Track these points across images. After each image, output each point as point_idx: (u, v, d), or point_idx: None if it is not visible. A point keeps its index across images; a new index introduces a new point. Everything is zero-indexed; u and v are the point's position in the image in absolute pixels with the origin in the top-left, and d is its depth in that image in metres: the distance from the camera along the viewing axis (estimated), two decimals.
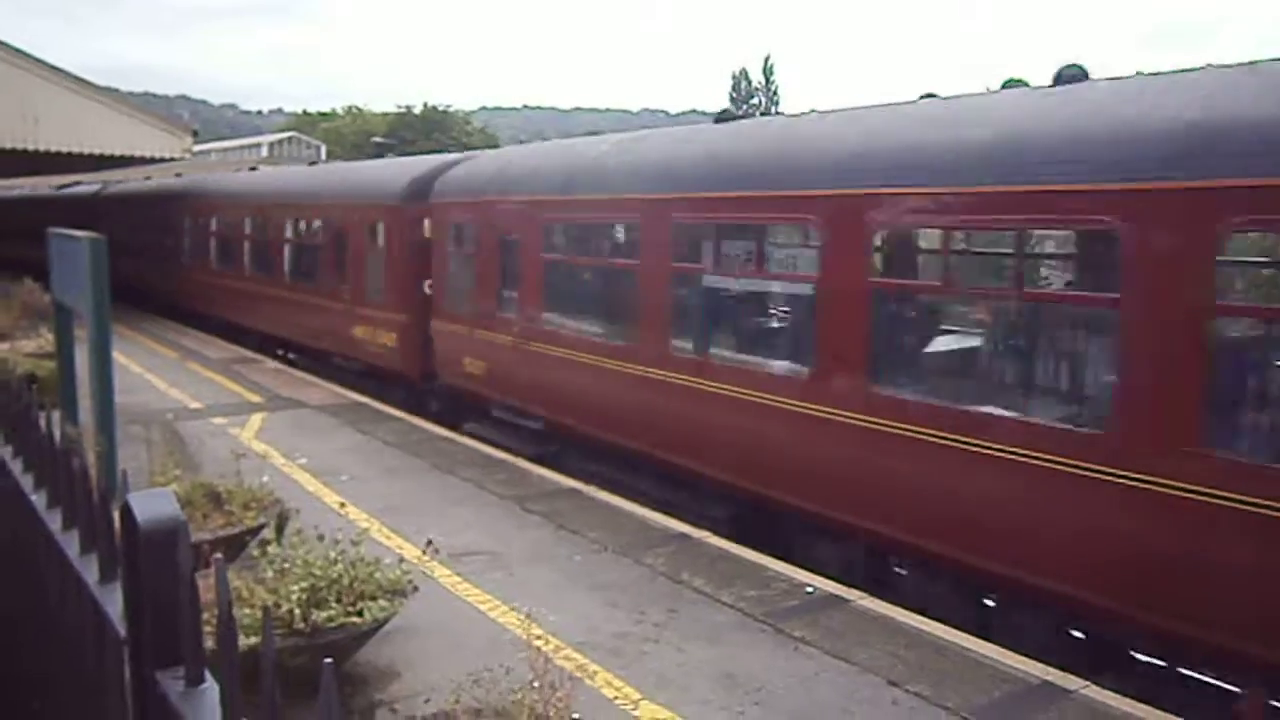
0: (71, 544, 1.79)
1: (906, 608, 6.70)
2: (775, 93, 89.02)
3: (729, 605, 6.60)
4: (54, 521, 1.92)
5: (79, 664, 1.84)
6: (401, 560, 5.65)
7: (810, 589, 6.98)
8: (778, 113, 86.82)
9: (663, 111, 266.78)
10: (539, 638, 4.71)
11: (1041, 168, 6.20)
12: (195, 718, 1.18)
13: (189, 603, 1.24)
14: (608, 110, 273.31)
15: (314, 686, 1.03)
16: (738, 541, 7.94)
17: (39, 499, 2.04)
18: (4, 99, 19.64)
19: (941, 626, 6.38)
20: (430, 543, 6.16)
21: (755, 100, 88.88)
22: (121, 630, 1.44)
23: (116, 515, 1.56)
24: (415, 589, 5.40)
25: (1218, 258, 5.49)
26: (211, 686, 1.24)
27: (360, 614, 4.88)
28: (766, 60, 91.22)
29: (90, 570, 1.66)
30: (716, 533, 8.25)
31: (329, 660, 0.97)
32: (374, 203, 14.83)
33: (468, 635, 5.90)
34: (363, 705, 5.06)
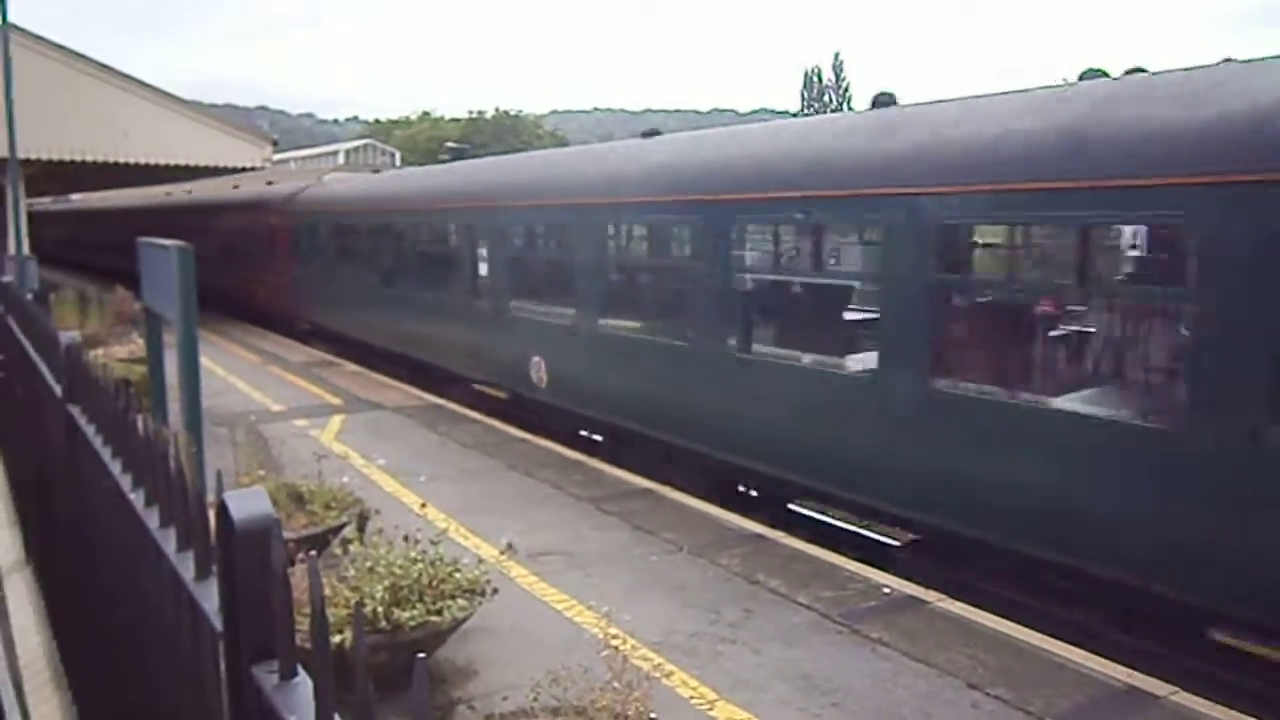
0: (168, 541, 1.85)
1: (986, 609, 6.59)
2: (846, 90, 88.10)
3: (805, 606, 6.55)
4: (152, 519, 1.99)
5: (174, 657, 1.90)
6: (480, 561, 5.72)
7: (887, 590, 6.90)
8: (850, 109, 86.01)
9: (732, 111, 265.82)
10: (615, 637, 4.73)
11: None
12: (289, 711, 1.21)
13: (283, 599, 1.27)
14: (677, 110, 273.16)
15: (392, 683, 1.06)
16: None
17: (137, 498, 2.12)
18: (96, 114, 20.37)
19: (1022, 629, 6.26)
20: (510, 544, 6.22)
21: (826, 98, 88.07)
22: (217, 625, 1.48)
23: (211, 513, 1.62)
24: (495, 591, 5.46)
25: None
26: (304, 681, 1.27)
27: (440, 613, 4.96)
28: (837, 57, 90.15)
29: (187, 567, 1.72)
30: (792, 533, 8.20)
31: (421, 655, 0.99)
32: None
33: (545, 634, 5.95)
34: (442, 703, 5.13)
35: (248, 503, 1.36)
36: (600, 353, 10.93)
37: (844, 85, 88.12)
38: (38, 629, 4.25)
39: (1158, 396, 6.71)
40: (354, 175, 29.71)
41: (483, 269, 13.74)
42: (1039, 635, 6.17)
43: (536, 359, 11.99)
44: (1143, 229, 7.76)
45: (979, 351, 7.75)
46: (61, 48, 20.89)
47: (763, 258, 10.10)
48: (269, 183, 28.99)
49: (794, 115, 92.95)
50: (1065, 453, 6.30)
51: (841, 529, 10.96)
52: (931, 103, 8.12)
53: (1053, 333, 7.82)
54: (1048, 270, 8.79)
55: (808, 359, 8.59)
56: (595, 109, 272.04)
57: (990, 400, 6.88)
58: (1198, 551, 5.66)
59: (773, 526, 8.40)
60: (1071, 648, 5.99)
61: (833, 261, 9.75)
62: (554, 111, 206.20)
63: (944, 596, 6.82)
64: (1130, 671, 5.65)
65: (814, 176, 8.23)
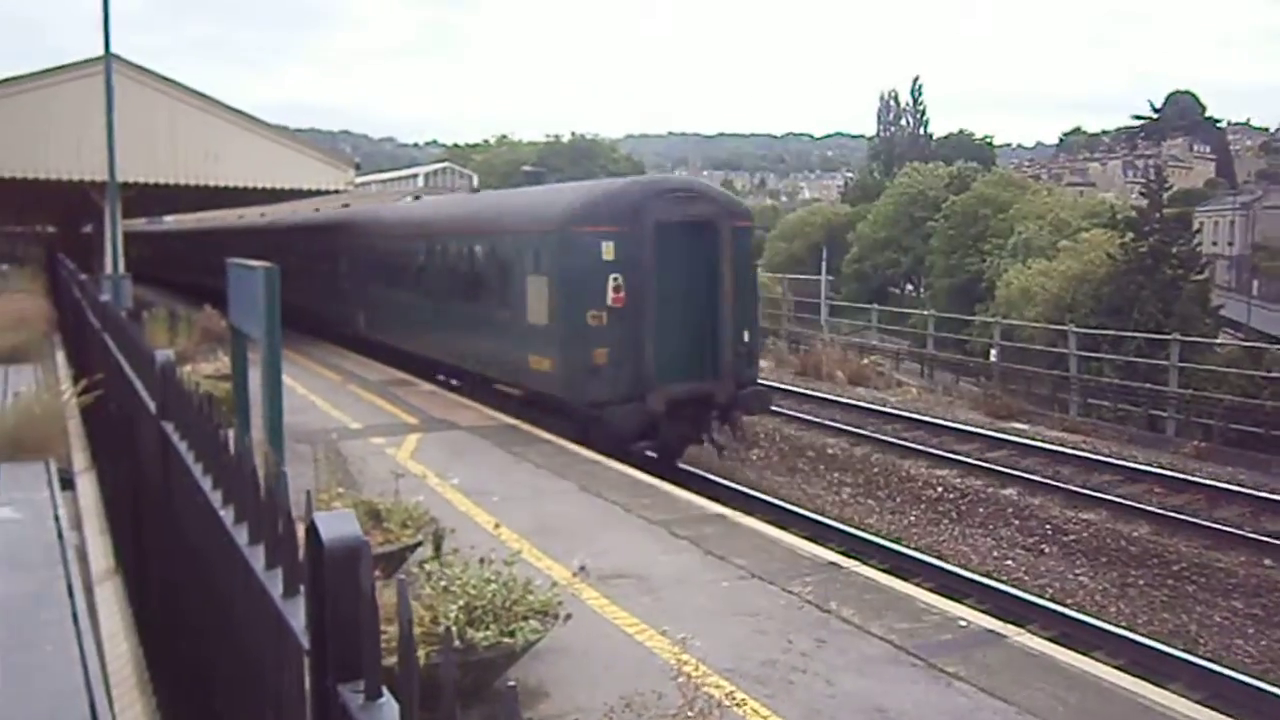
0: (257, 558, 1.90)
1: (1066, 646, 6.42)
2: (924, 114, 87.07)
3: (879, 637, 6.45)
4: (240, 536, 2.04)
5: (259, 670, 1.94)
6: (554, 584, 5.74)
7: (964, 623, 6.75)
8: (927, 134, 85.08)
9: (807, 135, 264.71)
10: (687, 663, 4.70)
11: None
12: None
13: (370, 621, 1.29)
14: (752, 135, 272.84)
15: (463, 703, 1.08)
16: None
17: (227, 514, 2.17)
18: (190, 139, 21.11)
19: (1104, 668, 6.08)
20: (583, 566, 6.24)
21: (904, 121, 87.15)
22: (304, 642, 1.51)
23: (299, 531, 1.65)
24: (569, 617, 5.47)
25: None
26: (389, 701, 1.29)
27: (513, 634, 4.98)
28: (915, 82, 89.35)
29: (274, 583, 1.76)
30: (866, 563, 8.09)
31: (512, 684, 1.00)
32: None
33: (616, 658, 5.95)
34: None
35: (337, 525, 1.39)
36: (388, 308, 20.01)
37: (921, 109, 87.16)
38: (126, 636, 4.37)
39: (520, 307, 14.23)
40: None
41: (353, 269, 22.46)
42: (1124, 676, 5.98)
43: (360, 314, 21.43)
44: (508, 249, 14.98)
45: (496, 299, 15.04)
46: (159, 76, 21.70)
47: (447, 262, 17.11)
48: (315, 209, 30.53)
49: (870, 139, 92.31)
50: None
51: (915, 558, 10.79)
52: (486, 191, 21.16)
53: (486, 287, 15.50)
54: (498, 263, 15.28)
55: (464, 307, 16.13)
56: (670, 133, 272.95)
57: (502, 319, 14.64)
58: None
59: (846, 555, 8.30)
60: (1157, 689, 5.80)
61: (467, 264, 16.45)
62: (629, 136, 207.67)
63: (1023, 631, 6.65)
64: (1215, 716, 5.44)
65: (449, 223, 18.19)
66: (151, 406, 3.52)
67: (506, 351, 14.55)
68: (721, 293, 13.20)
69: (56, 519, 4.59)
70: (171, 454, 3.12)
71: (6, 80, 20.91)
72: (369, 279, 21.00)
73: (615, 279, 12.50)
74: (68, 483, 5.42)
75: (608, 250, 12.57)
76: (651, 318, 12.69)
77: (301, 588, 1.64)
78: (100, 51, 18.74)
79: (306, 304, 22.81)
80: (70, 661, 3.00)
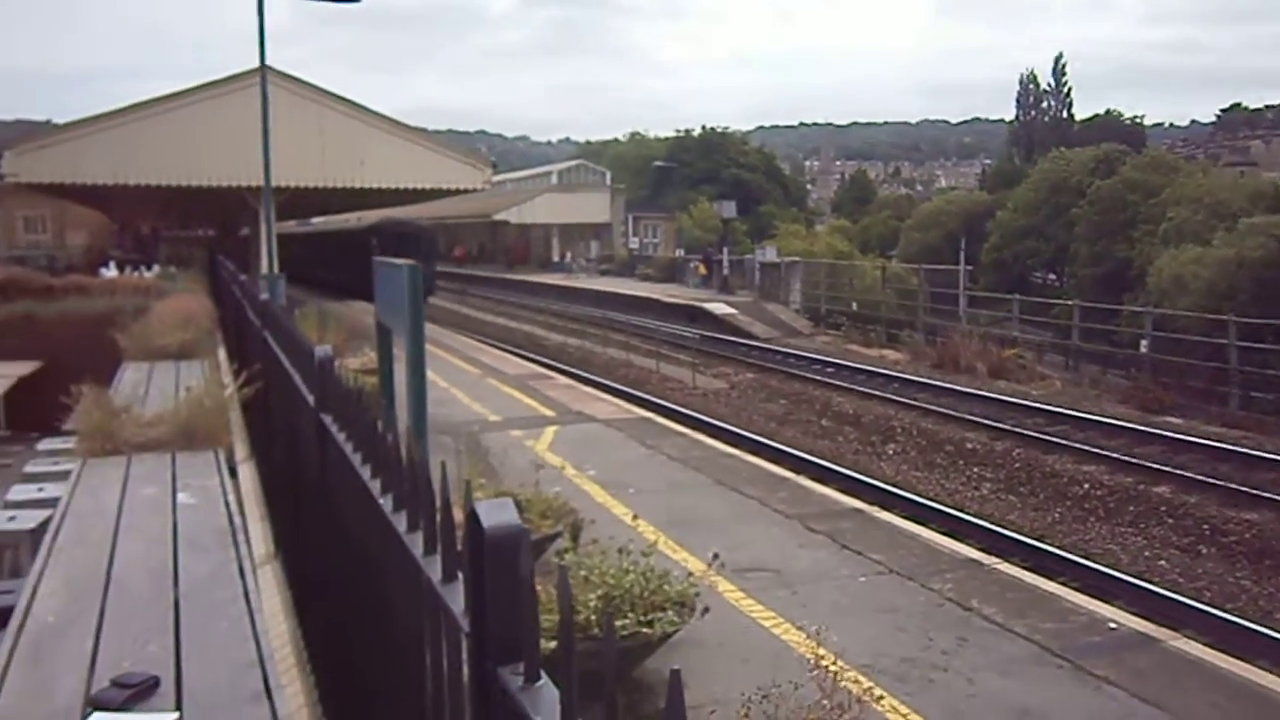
0: (415, 544, 1.99)
1: (1227, 653, 6.12)
2: (1067, 95, 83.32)
3: (1022, 637, 6.28)
4: (399, 523, 2.14)
5: (416, 651, 2.03)
6: (690, 575, 5.79)
7: (1113, 625, 6.51)
8: (1070, 115, 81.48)
9: (944, 121, 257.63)
10: (823, 657, 4.68)
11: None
12: (535, 711, 1.29)
13: (530, 605, 1.35)
14: (885, 123, 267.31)
15: (600, 691, 1.13)
16: None
17: (385, 502, 2.28)
18: (338, 144, 22.05)
19: (1271, 678, 5.77)
20: (716, 556, 6.28)
21: (1045, 104, 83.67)
22: (464, 625, 1.59)
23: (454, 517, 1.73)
24: (706, 610, 5.51)
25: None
26: (548, 684, 1.35)
27: (651, 625, 5.06)
28: (1058, 61, 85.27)
29: (433, 569, 1.84)
30: (1008, 560, 7.87)
31: (676, 668, 1.04)
32: None
33: (752, 650, 5.96)
34: (650, 712, 5.22)
35: (497, 512, 1.45)
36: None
37: (1065, 89, 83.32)
38: (285, 616, 4.60)
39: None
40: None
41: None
42: None
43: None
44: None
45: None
46: (309, 84, 22.72)
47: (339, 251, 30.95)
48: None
49: (1010, 123, 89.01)
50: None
51: (1060, 557, 10.43)
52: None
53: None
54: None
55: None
56: (800, 124, 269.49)
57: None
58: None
59: (987, 553, 8.10)
60: None
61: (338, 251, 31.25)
62: (759, 127, 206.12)
63: (1178, 635, 6.37)
64: None
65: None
66: (310, 399, 3.71)
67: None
68: None
69: (226, 505, 4.88)
70: (329, 444, 3.28)
71: (172, 95, 22.28)
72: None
73: None
74: (232, 471, 5.76)
75: None
76: None
77: (459, 573, 1.71)
78: (255, 64, 19.74)
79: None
80: (244, 638, 3.20)
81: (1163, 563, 11.09)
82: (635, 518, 7.74)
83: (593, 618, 4.90)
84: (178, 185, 22.16)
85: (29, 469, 8.04)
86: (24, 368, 12.54)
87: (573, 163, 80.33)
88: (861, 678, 5.57)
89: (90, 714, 2.71)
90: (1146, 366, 22.75)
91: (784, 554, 7.88)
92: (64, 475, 6.43)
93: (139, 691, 2.83)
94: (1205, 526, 11.92)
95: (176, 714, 2.72)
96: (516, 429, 13.02)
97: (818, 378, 22.57)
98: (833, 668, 4.46)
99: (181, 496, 5.02)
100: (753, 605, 6.73)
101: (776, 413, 19.57)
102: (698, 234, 54.19)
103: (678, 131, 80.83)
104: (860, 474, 13.77)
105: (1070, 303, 28.33)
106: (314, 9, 38.89)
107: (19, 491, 7.23)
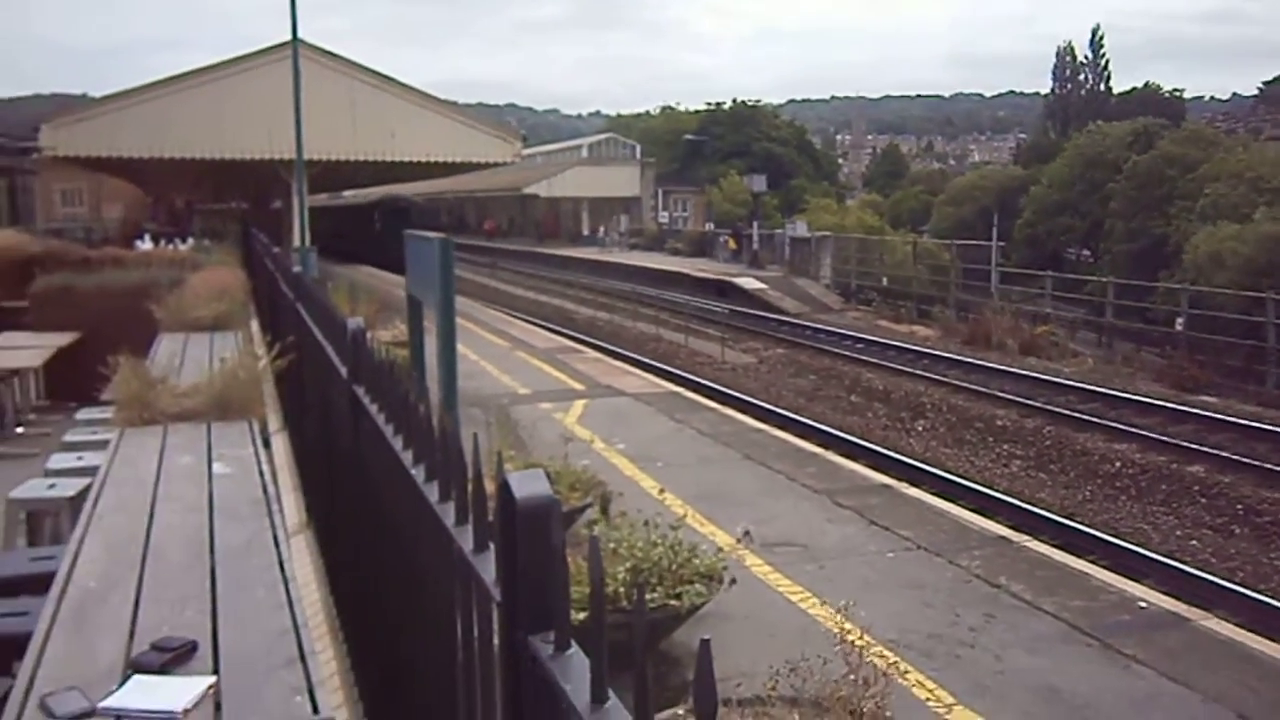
0: (448, 514, 2.02)
1: (1260, 634, 6.08)
2: (1105, 67, 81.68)
3: (1051, 614, 6.26)
4: (431, 493, 2.17)
5: (448, 619, 2.06)
6: (719, 550, 5.82)
7: (1143, 604, 6.48)
8: (1108, 89, 79.92)
9: (978, 95, 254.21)
10: (850, 632, 4.70)
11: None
12: (565, 679, 1.31)
13: (561, 575, 1.37)
14: (918, 96, 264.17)
15: (628, 663, 1.14)
16: None
17: (418, 472, 2.31)
18: (369, 117, 22.10)
19: None
20: (747, 532, 6.30)
21: (1083, 76, 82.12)
22: (496, 594, 1.61)
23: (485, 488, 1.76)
24: (734, 582, 5.53)
25: None
26: (578, 652, 1.37)
27: (679, 597, 5.09)
28: (1095, 32, 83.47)
29: (465, 539, 1.87)
30: (1037, 538, 7.85)
31: (706, 638, 1.06)
32: None
33: (779, 624, 5.99)
34: (676, 684, 5.26)
35: (529, 483, 1.47)
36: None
37: (1103, 61, 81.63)
38: (318, 585, 4.68)
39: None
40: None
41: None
42: None
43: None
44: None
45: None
46: (341, 57, 22.75)
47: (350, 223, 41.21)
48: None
49: (1045, 97, 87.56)
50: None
51: (1090, 535, 10.38)
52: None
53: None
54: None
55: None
56: (833, 97, 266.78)
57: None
58: None
59: (1016, 530, 8.07)
60: None
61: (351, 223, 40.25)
62: (791, 101, 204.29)
63: (1209, 615, 6.34)
64: None
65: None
66: (343, 371, 3.75)
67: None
68: None
69: (261, 474, 4.95)
70: (362, 415, 3.32)
71: (205, 68, 22.38)
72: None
73: None
74: (265, 442, 5.83)
75: None
76: None
77: (491, 544, 1.74)
78: (288, 37, 19.79)
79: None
80: (279, 605, 3.26)
81: (1195, 543, 11.00)
82: (663, 491, 7.77)
83: (621, 590, 4.94)
84: (211, 158, 22.30)
85: (68, 438, 8.18)
86: (63, 338, 12.72)
87: (603, 136, 79.91)
88: (888, 653, 5.58)
89: (130, 676, 2.78)
90: (1182, 344, 22.47)
91: (812, 529, 7.89)
92: (102, 444, 6.55)
93: (177, 655, 2.90)
94: (1239, 506, 11.81)
95: (214, 677, 2.78)
96: (546, 402, 13.08)
97: (847, 353, 22.49)
98: (859, 642, 4.47)
99: (217, 466, 5.10)
100: (780, 579, 6.75)
101: (805, 388, 19.54)
102: (727, 208, 53.94)
103: (709, 105, 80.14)
104: (889, 450, 13.74)
105: (1104, 279, 27.99)
106: None
107: (59, 460, 7.36)
